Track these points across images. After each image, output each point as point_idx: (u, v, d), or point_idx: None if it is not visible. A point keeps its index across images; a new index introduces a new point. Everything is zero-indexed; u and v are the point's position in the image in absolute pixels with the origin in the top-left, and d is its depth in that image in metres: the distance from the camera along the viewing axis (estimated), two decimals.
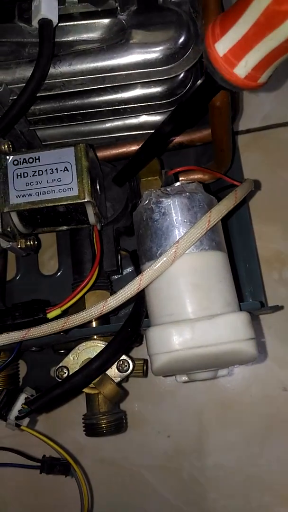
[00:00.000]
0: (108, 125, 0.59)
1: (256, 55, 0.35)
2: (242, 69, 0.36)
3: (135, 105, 0.54)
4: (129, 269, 0.64)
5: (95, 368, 0.46)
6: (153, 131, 0.58)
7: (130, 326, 0.47)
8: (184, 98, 0.53)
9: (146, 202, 0.48)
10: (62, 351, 0.56)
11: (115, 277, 0.63)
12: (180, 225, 0.46)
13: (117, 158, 0.59)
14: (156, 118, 0.58)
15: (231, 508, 0.59)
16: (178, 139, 0.58)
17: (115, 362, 0.51)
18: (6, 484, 0.62)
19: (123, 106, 0.54)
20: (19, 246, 0.53)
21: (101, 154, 0.59)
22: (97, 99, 0.54)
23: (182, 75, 0.52)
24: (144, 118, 0.59)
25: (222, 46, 0.36)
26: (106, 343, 0.52)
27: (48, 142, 0.59)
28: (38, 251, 0.65)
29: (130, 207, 0.58)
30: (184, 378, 0.50)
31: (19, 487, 0.62)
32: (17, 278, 0.65)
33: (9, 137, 0.53)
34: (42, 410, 0.47)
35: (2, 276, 0.60)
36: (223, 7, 0.49)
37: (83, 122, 0.56)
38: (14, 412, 0.47)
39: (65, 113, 0.54)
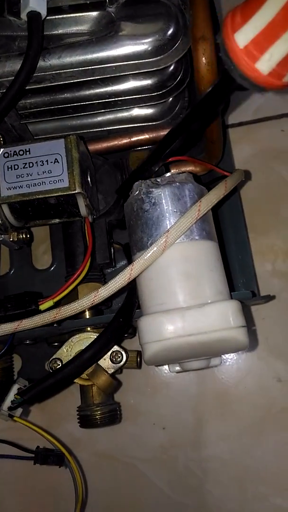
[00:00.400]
0: (99, 118, 0.59)
1: (283, 47, 0.30)
2: (265, 64, 0.30)
3: (126, 97, 0.55)
4: (122, 263, 0.64)
5: (87, 358, 0.46)
6: (144, 124, 0.59)
7: (122, 316, 0.48)
8: (195, 101, 0.49)
9: (137, 192, 0.48)
10: (56, 343, 0.57)
11: (109, 270, 0.63)
12: (171, 215, 0.46)
13: (108, 151, 0.60)
14: (147, 111, 0.59)
15: (227, 498, 0.60)
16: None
17: (108, 352, 0.52)
18: (1, 476, 0.62)
19: (114, 99, 0.55)
20: (11, 239, 0.53)
21: (92, 147, 0.59)
22: (87, 92, 0.54)
23: (172, 67, 0.53)
24: (135, 112, 0.59)
25: (243, 37, 0.30)
26: None
27: (40, 136, 0.60)
28: (31, 244, 0.65)
29: (123, 200, 0.58)
30: (177, 368, 0.51)
31: (15, 480, 0.62)
32: (11, 272, 0.66)
33: (0, 130, 0.54)
34: (34, 400, 0.47)
35: None
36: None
37: (75, 115, 0.57)
38: (7, 402, 0.48)
39: (56, 107, 0.55)
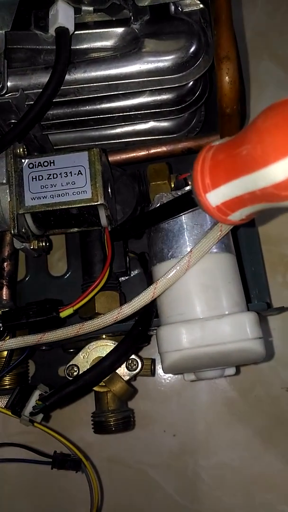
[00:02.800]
0: (118, 130, 0.61)
1: (252, 209, 0.33)
2: (237, 217, 0.34)
3: (145, 111, 0.56)
4: (136, 271, 0.65)
5: (107, 366, 0.47)
6: (161, 136, 0.61)
7: (141, 325, 0.49)
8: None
9: (158, 205, 0.49)
10: (72, 350, 0.58)
11: (123, 278, 0.64)
12: (191, 228, 0.47)
13: (126, 163, 0.61)
14: (165, 124, 0.60)
15: (235, 506, 0.61)
16: (186, 144, 0.60)
17: (126, 360, 0.53)
18: (13, 480, 0.63)
19: (134, 112, 0.56)
20: (31, 247, 0.54)
21: (111, 158, 0.60)
22: (108, 105, 0.55)
23: (191, 82, 0.54)
24: (153, 124, 0.60)
25: (214, 198, 0.33)
26: (116, 342, 0.53)
27: (59, 146, 0.61)
28: (49, 252, 0.66)
29: (139, 210, 0.59)
30: (192, 377, 0.52)
31: (27, 484, 0.63)
32: (27, 279, 0.67)
33: (23, 141, 0.55)
34: (56, 407, 0.48)
35: (13, 276, 0.61)
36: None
37: (95, 127, 0.58)
38: (29, 408, 0.49)
39: (77, 119, 0.56)
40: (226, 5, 0.48)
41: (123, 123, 0.58)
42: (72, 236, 0.66)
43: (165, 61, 0.51)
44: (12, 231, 0.50)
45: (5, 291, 0.60)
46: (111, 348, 0.53)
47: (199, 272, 0.46)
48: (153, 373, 0.56)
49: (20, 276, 0.66)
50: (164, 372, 0.47)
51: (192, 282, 0.46)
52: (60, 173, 0.50)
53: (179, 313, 0.46)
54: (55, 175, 0.50)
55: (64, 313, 0.50)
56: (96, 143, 0.61)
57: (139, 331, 0.49)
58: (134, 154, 0.60)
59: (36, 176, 0.50)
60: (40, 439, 0.59)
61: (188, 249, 0.46)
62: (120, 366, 0.52)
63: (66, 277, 0.67)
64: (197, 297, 0.46)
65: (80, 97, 0.52)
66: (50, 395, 0.47)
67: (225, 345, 0.44)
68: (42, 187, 0.50)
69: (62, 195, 0.49)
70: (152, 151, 0.60)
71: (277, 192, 0.28)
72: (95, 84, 0.51)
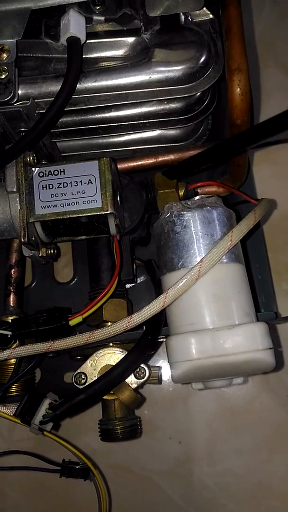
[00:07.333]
0: (126, 138, 0.61)
1: None
2: None
3: (154, 120, 0.56)
4: (142, 278, 0.65)
5: (117, 375, 0.48)
6: (168, 144, 0.61)
7: (150, 334, 0.49)
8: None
9: (168, 214, 0.49)
10: (79, 357, 0.58)
11: (129, 285, 0.64)
12: (201, 237, 0.48)
13: (134, 171, 0.61)
14: (172, 132, 0.60)
15: None
16: (193, 152, 0.60)
17: (136, 369, 0.53)
18: (19, 487, 0.63)
19: (142, 121, 0.56)
20: (40, 255, 0.54)
21: (119, 166, 0.60)
22: (117, 113, 0.55)
23: (200, 92, 0.54)
24: (160, 132, 0.60)
25: None
26: (123, 350, 0.54)
27: (67, 154, 0.61)
28: (57, 259, 0.67)
29: (146, 218, 0.59)
30: (200, 385, 0.52)
31: (32, 491, 0.63)
32: (33, 285, 0.67)
33: (32, 149, 0.55)
34: (66, 416, 0.48)
35: (20, 283, 0.61)
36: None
37: (103, 135, 0.58)
38: (39, 417, 0.49)
39: (86, 127, 0.56)
40: (237, 16, 0.48)
41: (131, 131, 0.58)
42: (78, 243, 0.66)
43: (175, 71, 0.51)
44: (22, 239, 0.50)
45: (12, 297, 0.60)
46: (119, 356, 0.53)
47: (210, 282, 0.46)
48: (160, 381, 0.56)
49: (26, 282, 0.66)
50: (173, 382, 0.47)
51: (203, 292, 0.46)
52: (70, 182, 0.50)
53: (189, 323, 0.46)
54: (65, 184, 0.50)
55: (73, 321, 0.51)
56: (104, 150, 0.61)
57: (149, 340, 0.49)
58: (142, 162, 0.61)
59: (46, 185, 0.50)
60: (45, 445, 0.59)
61: (198, 259, 0.47)
62: (130, 375, 0.52)
63: (72, 283, 0.67)
64: (208, 307, 0.46)
65: (90, 106, 0.52)
66: (60, 404, 0.47)
67: (236, 355, 0.44)
68: (52, 195, 0.50)
69: (72, 204, 0.49)
70: (160, 159, 0.60)
71: None
72: (105, 94, 0.51)
